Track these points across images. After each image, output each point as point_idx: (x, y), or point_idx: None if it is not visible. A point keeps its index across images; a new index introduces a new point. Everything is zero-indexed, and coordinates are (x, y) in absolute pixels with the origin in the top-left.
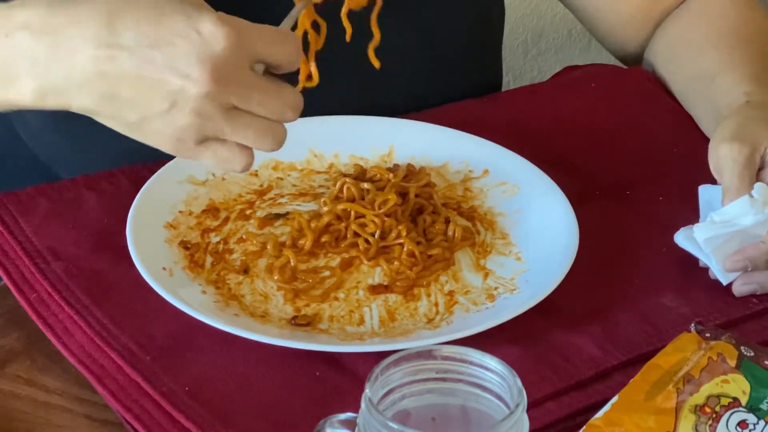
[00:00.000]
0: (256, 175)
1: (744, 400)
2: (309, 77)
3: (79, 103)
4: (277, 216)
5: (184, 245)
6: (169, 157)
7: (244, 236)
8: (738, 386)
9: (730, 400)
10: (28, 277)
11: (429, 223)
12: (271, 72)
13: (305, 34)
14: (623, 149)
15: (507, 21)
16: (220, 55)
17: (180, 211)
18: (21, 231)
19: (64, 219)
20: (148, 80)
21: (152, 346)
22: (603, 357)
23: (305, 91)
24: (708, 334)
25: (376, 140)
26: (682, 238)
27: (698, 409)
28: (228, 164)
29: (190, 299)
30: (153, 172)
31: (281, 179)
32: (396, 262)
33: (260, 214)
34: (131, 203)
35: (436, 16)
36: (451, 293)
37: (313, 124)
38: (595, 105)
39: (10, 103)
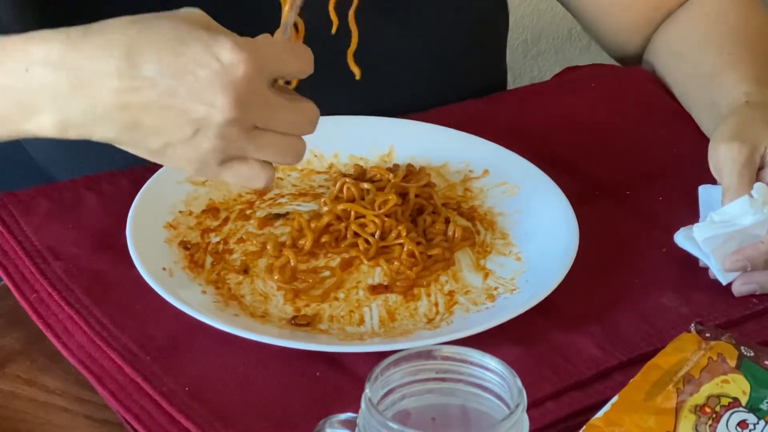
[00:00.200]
0: None
1: (744, 400)
2: None
3: (102, 134)
4: (277, 216)
5: (184, 245)
6: None
7: (244, 236)
8: (738, 386)
9: (730, 400)
10: (28, 277)
11: (429, 223)
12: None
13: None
14: (623, 149)
15: None
16: (241, 81)
17: (180, 211)
18: (21, 231)
19: (64, 219)
20: (172, 110)
21: (152, 346)
22: (603, 357)
23: (304, 91)
24: (708, 334)
25: (376, 140)
26: (681, 238)
27: (698, 409)
28: (251, 182)
29: (190, 299)
30: (153, 172)
31: (281, 179)
32: (396, 262)
33: (260, 214)
34: (131, 203)
35: (436, 16)
36: (451, 293)
37: None
38: (595, 105)
39: (28, 134)
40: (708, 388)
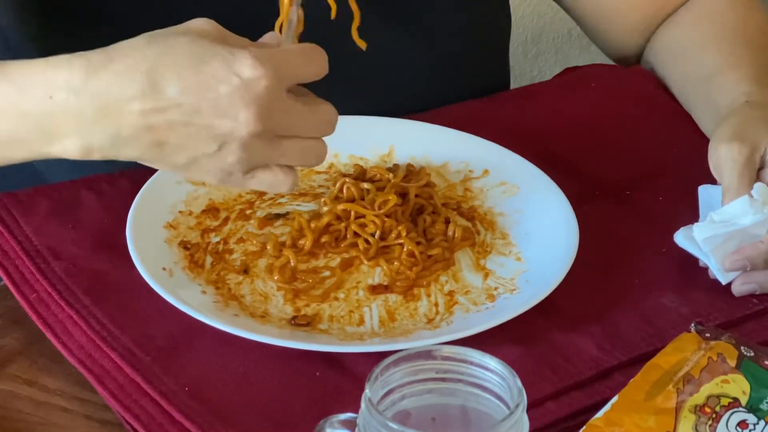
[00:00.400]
0: None
1: (744, 400)
2: None
3: (127, 154)
4: (277, 216)
5: (184, 245)
6: None
7: (244, 236)
8: (738, 386)
9: (730, 400)
10: (28, 277)
11: (429, 223)
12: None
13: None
14: (623, 149)
15: None
16: (263, 94)
17: (180, 212)
18: (21, 231)
19: (64, 219)
20: (197, 127)
21: (152, 346)
22: (603, 357)
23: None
24: (708, 334)
25: (376, 140)
26: (681, 237)
27: (698, 409)
28: (275, 188)
29: (190, 299)
30: (153, 172)
31: None
32: (396, 263)
33: (260, 214)
34: (131, 203)
35: (436, 16)
36: (451, 293)
37: None
38: (595, 105)
39: (51, 156)
40: (708, 388)
